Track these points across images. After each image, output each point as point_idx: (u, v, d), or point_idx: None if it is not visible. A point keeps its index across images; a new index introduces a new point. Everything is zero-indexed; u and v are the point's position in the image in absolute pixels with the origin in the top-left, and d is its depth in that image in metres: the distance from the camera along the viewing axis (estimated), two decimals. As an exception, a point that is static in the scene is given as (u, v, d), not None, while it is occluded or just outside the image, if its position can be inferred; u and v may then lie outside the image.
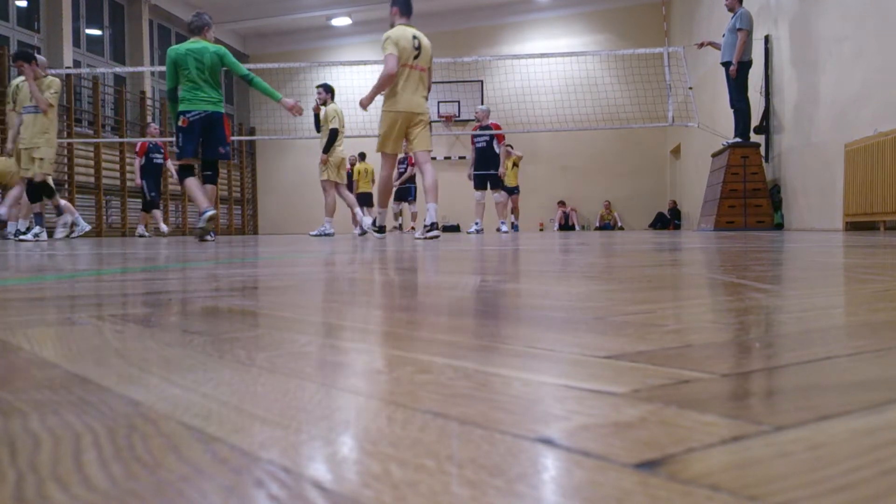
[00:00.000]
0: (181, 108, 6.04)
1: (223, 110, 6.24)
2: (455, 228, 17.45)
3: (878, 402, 0.39)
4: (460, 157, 16.94)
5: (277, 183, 19.00)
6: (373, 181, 13.90)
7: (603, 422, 0.36)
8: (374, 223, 6.81)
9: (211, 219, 5.92)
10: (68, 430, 0.36)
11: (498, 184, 10.92)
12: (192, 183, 6.18)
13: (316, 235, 9.46)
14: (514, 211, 13.69)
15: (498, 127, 11.40)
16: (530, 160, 16.04)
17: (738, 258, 2.14)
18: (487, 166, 10.83)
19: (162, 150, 11.79)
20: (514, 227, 13.77)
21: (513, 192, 13.52)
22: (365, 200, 13.73)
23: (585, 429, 0.35)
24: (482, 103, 17.51)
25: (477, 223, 11.08)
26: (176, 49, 6.05)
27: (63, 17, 12.98)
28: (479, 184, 10.96)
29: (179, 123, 6.02)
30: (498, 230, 10.93)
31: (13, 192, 7.93)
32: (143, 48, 15.25)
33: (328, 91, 9.60)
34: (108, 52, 14.89)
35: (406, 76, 6.38)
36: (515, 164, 13.44)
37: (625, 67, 15.60)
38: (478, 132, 10.97)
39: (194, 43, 6.12)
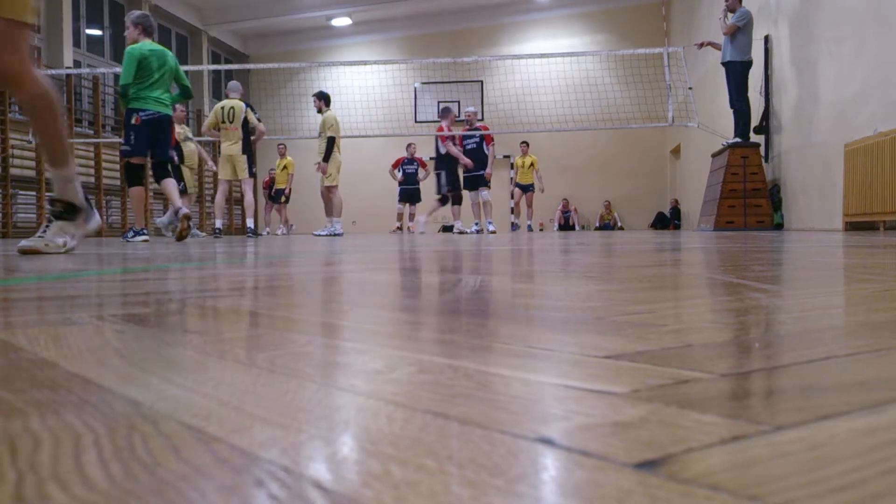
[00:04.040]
0: (134, 105, 6.22)
1: (171, 113, 6.52)
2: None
3: (878, 402, 0.39)
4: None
5: (277, 183, 18.98)
6: (290, 177, 14.05)
7: (603, 422, 0.36)
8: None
9: (187, 217, 6.10)
10: (68, 430, 0.36)
11: (485, 183, 10.95)
12: (172, 183, 6.43)
13: (325, 235, 9.52)
14: (529, 209, 13.83)
15: (486, 128, 11.49)
16: (530, 160, 16.12)
17: (738, 258, 2.14)
18: (477, 167, 10.87)
19: (416, 163, 12.38)
20: (528, 227, 13.86)
21: (527, 189, 13.69)
22: (277, 197, 13.94)
23: (585, 429, 0.35)
24: (482, 103, 17.52)
25: (476, 223, 11.09)
26: (140, 49, 6.28)
27: (63, 17, 12.98)
28: (470, 185, 10.99)
29: (132, 122, 6.22)
30: (480, 230, 10.90)
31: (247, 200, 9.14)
32: (143, 48, 15.24)
33: (321, 98, 9.81)
34: (108, 52, 14.89)
35: None
36: (532, 164, 13.66)
37: (625, 67, 15.61)
38: (467, 133, 11.00)
39: (153, 45, 6.41)
